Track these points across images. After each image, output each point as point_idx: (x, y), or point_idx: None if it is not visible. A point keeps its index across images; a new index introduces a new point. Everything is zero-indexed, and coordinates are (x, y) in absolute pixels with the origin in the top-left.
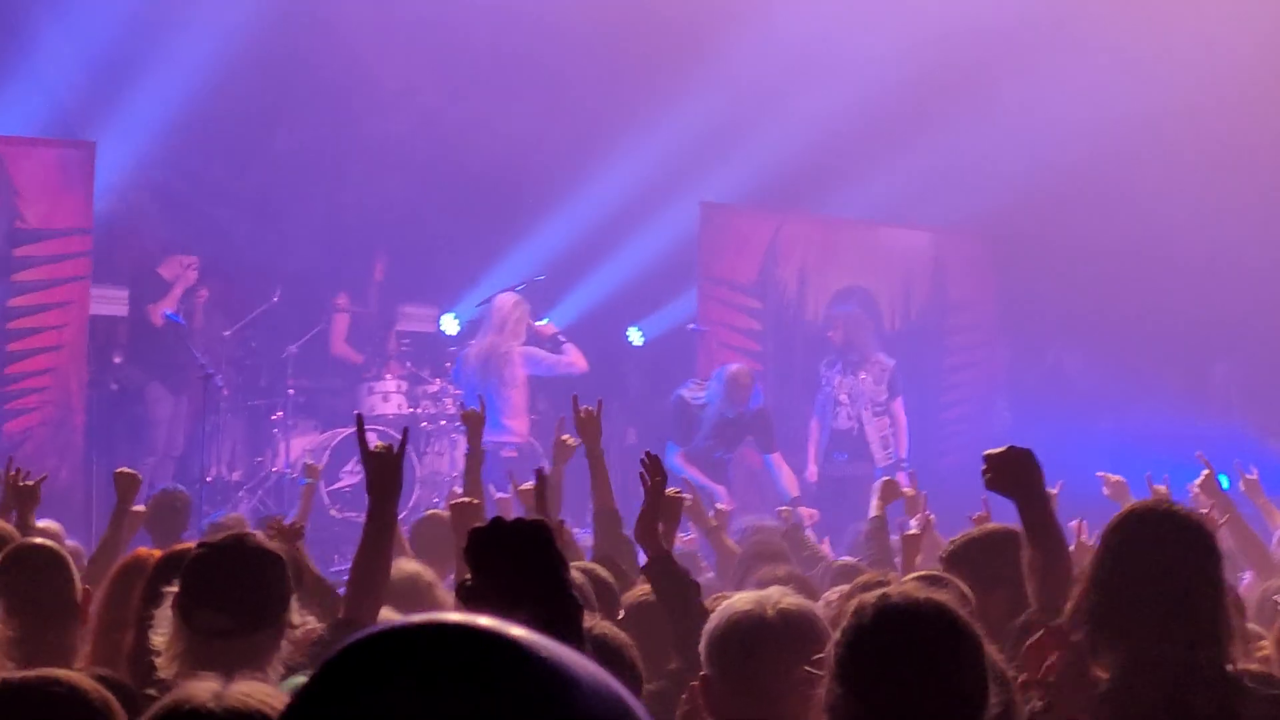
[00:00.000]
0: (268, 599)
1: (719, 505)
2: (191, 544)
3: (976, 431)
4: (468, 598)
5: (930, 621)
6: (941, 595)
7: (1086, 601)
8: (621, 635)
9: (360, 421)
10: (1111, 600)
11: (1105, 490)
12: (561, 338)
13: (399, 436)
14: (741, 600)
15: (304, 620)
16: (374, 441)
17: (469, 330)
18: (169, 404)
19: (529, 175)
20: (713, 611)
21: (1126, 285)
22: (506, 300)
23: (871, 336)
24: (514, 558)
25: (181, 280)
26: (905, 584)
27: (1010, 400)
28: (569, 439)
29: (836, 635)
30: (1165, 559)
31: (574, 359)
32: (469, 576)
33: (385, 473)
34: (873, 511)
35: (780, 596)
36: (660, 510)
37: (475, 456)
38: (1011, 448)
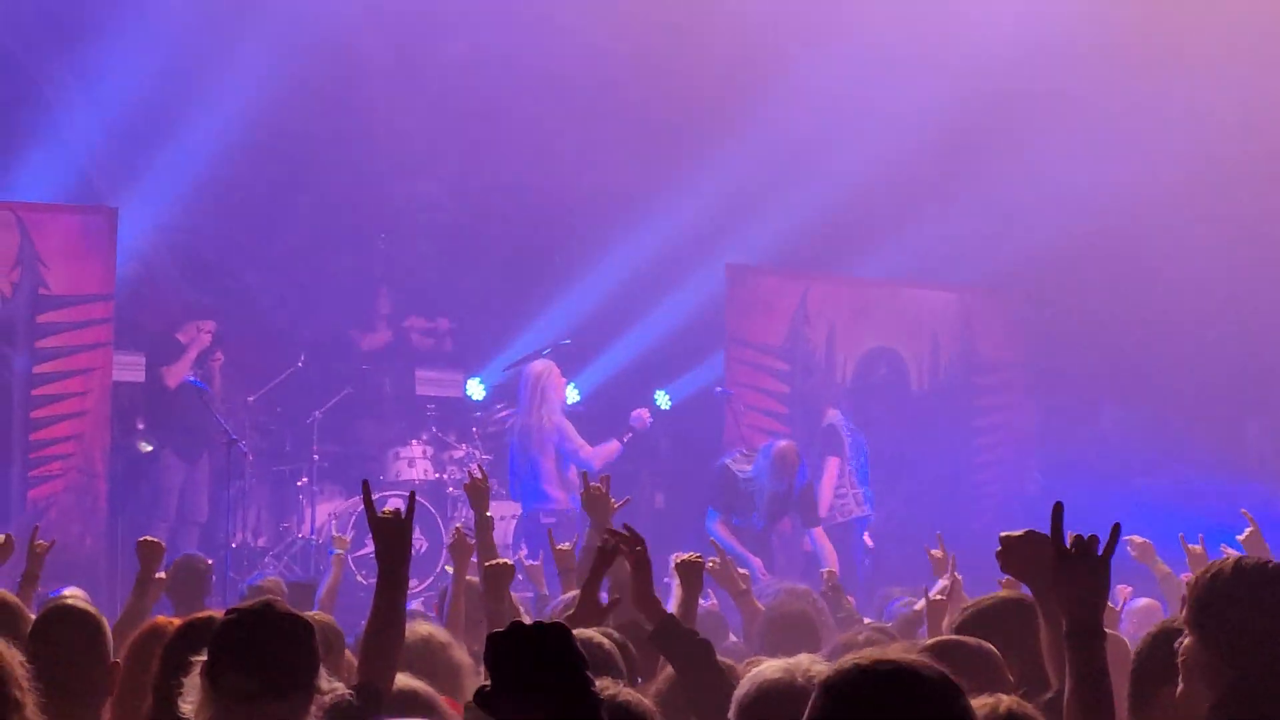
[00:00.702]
0: (296, 664)
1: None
2: (212, 611)
3: (1007, 493)
4: (485, 702)
5: (897, 686)
6: (924, 659)
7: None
8: (645, 703)
9: (366, 488)
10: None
11: (1131, 551)
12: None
13: (422, 501)
14: (771, 668)
15: (332, 687)
16: (393, 506)
17: (494, 395)
18: (180, 471)
19: (555, 239)
20: (742, 677)
21: (1158, 343)
22: (535, 368)
23: None
24: (534, 662)
25: (196, 344)
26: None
27: (1041, 460)
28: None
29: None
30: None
31: (596, 456)
32: (486, 682)
33: (393, 538)
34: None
35: (810, 664)
36: (650, 575)
37: (483, 524)
38: (1030, 533)
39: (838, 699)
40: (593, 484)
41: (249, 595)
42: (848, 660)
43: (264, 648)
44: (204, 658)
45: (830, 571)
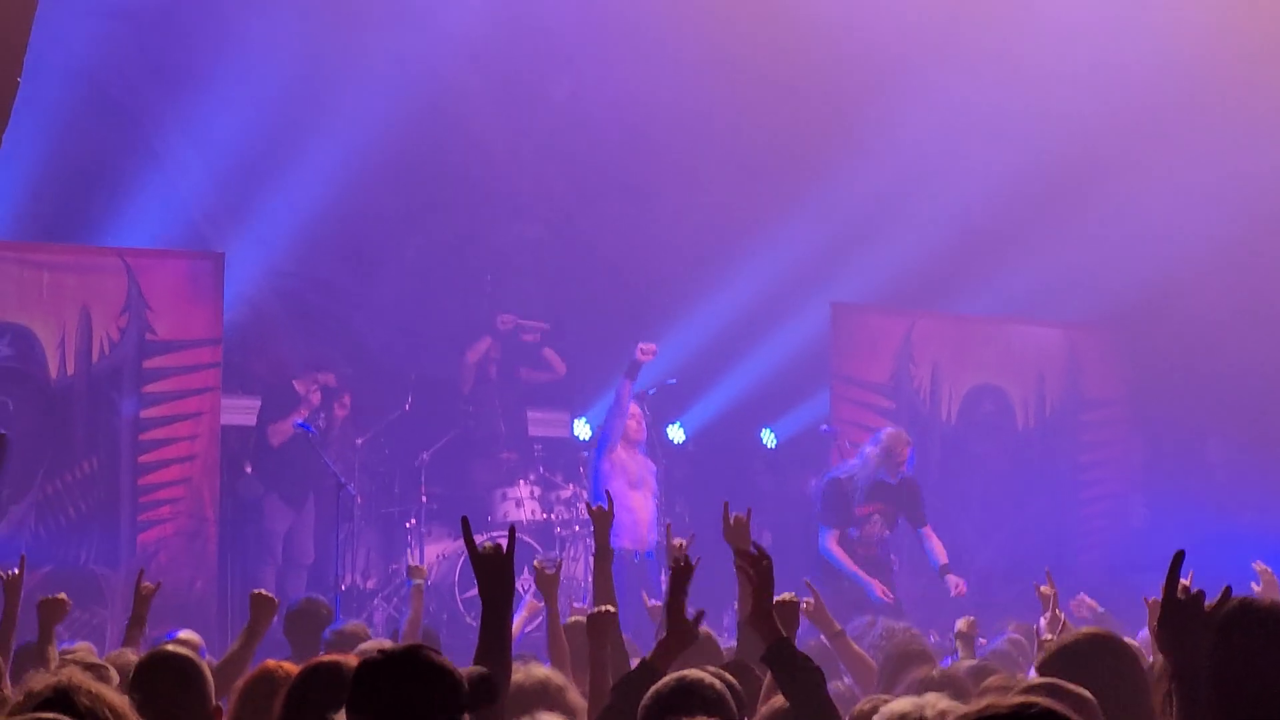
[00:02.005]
0: (434, 711)
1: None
2: (337, 656)
3: (1114, 529)
4: None
5: None
6: (1049, 703)
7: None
8: (718, 683)
9: (466, 525)
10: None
11: (1257, 586)
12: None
13: (529, 541)
14: (901, 705)
15: None
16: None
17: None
18: (287, 517)
19: (661, 278)
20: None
21: (1264, 375)
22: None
23: None
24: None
25: (305, 403)
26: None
27: (1147, 496)
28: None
29: None
30: None
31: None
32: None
33: (495, 574)
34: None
35: (937, 700)
36: (770, 594)
37: (604, 554)
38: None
39: None
40: (734, 514)
41: (333, 640)
42: (984, 702)
43: (406, 691)
44: (334, 704)
45: (970, 621)
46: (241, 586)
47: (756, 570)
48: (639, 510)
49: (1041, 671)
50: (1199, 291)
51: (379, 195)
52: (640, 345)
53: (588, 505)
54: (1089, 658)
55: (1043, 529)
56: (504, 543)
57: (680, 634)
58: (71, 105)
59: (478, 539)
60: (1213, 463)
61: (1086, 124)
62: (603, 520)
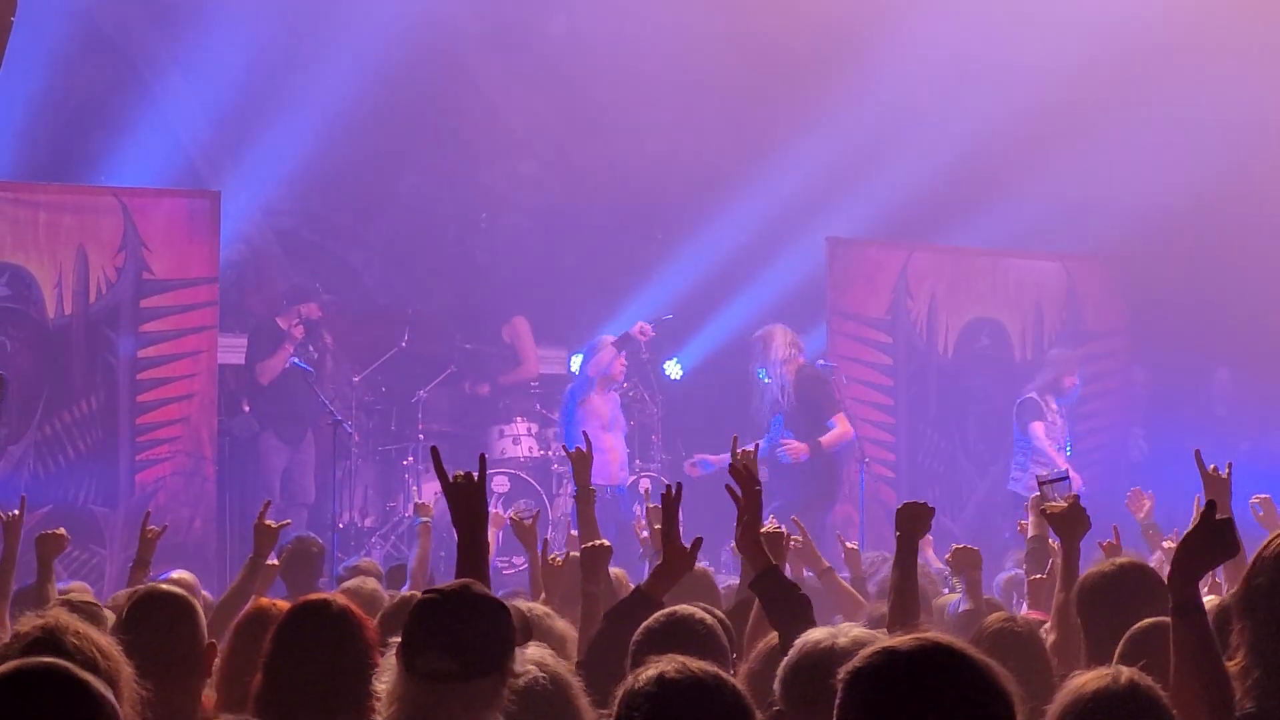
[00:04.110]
0: (492, 644)
1: (849, 544)
2: (324, 594)
3: (1112, 460)
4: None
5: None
6: (948, 640)
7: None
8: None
9: (436, 454)
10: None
11: (1257, 515)
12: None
13: (527, 478)
14: (815, 634)
15: (525, 669)
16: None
17: None
18: (283, 453)
19: (656, 214)
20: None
21: (1264, 306)
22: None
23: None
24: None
25: (289, 338)
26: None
27: (1146, 428)
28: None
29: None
30: None
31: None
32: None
33: (468, 502)
34: (1032, 530)
35: (850, 629)
36: (759, 520)
37: (585, 495)
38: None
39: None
40: (743, 449)
41: (345, 576)
42: (889, 639)
43: (462, 628)
44: (397, 639)
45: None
46: (240, 525)
47: (746, 495)
48: (610, 451)
49: (1081, 605)
50: (1198, 222)
51: (374, 132)
52: (640, 324)
53: (564, 448)
54: (1130, 587)
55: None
56: (475, 473)
57: (674, 561)
58: (67, 44)
59: (469, 472)
60: (1213, 394)
61: (1085, 55)
62: (583, 463)
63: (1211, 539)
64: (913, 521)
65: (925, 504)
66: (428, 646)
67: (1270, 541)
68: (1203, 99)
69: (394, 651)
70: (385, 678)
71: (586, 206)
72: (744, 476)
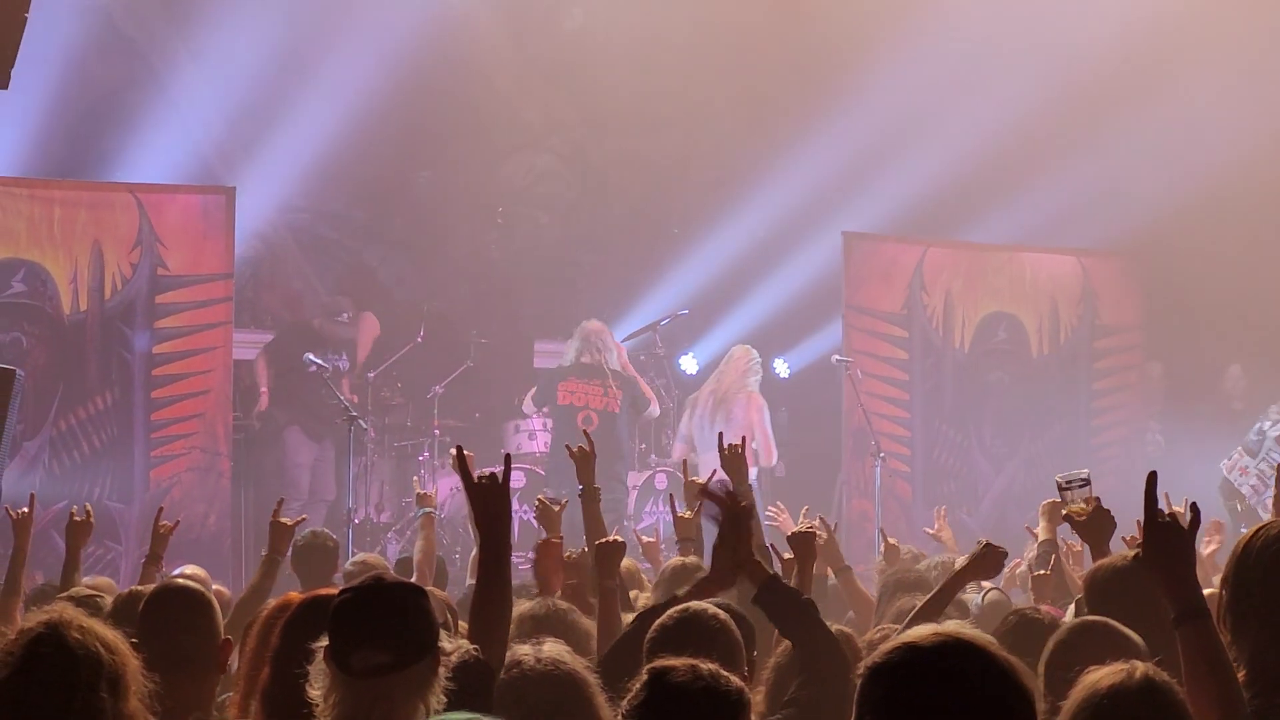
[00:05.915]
0: (420, 630)
1: (890, 540)
2: (337, 588)
3: (1129, 456)
4: None
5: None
6: (971, 635)
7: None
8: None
9: (460, 454)
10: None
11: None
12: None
13: (541, 473)
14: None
15: (455, 645)
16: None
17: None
18: (310, 449)
19: (672, 210)
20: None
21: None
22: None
23: None
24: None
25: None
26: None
27: (1163, 423)
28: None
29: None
30: None
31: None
32: None
33: (491, 502)
34: (1043, 535)
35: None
36: (750, 538)
37: (590, 494)
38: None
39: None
40: (730, 444)
41: (352, 570)
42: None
43: (384, 620)
44: (324, 642)
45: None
46: (255, 521)
47: (726, 515)
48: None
49: (1089, 597)
50: (1214, 218)
51: (390, 128)
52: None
53: (568, 448)
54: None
55: (1057, 457)
56: (500, 472)
57: (722, 577)
58: (83, 41)
59: (494, 471)
60: (1229, 390)
61: (1101, 50)
62: (586, 461)
63: (1163, 541)
64: (983, 564)
65: (1001, 549)
66: (359, 644)
67: (1244, 542)
68: (1218, 96)
69: (322, 655)
70: (319, 683)
71: (603, 202)
72: (722, 499)
